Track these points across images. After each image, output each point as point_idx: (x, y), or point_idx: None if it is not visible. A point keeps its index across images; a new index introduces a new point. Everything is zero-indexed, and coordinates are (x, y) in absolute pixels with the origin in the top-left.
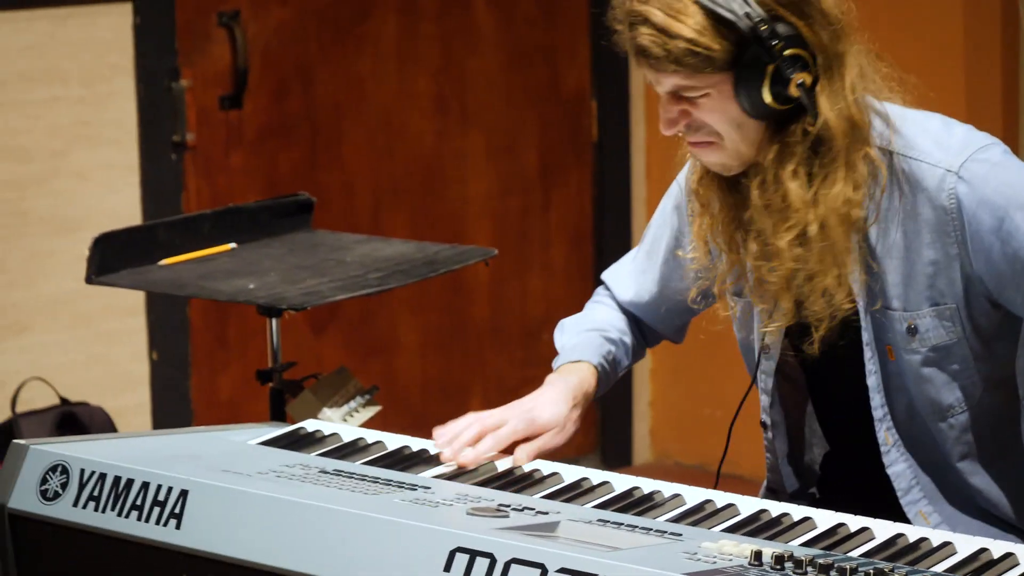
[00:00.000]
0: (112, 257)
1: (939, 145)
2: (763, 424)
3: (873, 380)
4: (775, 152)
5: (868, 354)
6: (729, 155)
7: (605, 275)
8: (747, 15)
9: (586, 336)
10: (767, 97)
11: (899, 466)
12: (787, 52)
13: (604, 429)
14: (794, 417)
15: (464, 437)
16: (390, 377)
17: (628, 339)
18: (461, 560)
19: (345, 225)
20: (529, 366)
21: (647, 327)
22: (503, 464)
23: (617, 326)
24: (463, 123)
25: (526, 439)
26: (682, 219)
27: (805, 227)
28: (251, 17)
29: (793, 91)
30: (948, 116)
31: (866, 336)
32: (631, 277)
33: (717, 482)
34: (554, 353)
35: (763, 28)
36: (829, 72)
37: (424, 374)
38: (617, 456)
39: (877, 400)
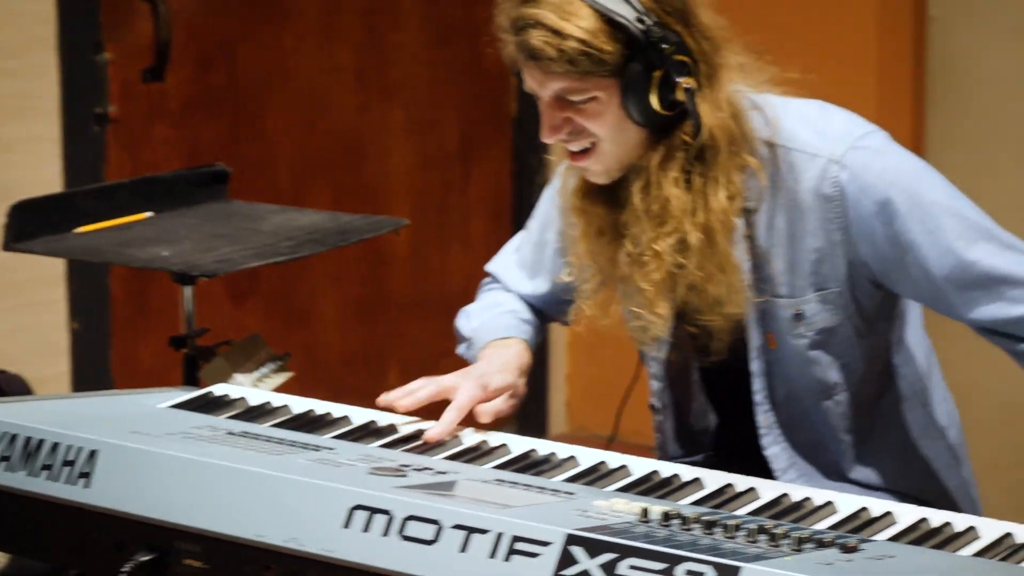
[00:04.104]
0: (29, 224)
1: (820, 134)
2: (652, 407)
3: (755, 366)
4: (660, 157)
5: (752, 342)
6: (609, 161)
7: (492, 267)
8: (639, 19)
9: (504, 317)
10: (654, 102)
11: (775, 448)
12: (675, 57)
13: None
14: (685, 400)
15: (420, 394)
16: (310, 347)
17: (535, 321)
18: (360, 517)
19: (267, 198)
20: (448, 338)
21: (540, 312)
22: (407, 428)
23: (524, 308)
24: (385, 98)
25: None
26: (560, 234)
27: (684, 235)
28: None
29: (680, 96)
30: (859, 100)
31: (751, 325)
32: (521, 269)
33: (608, 446)
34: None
35: (655, 32)
36: (709, 81)
37: (343, 345)
38: (533, 428)
39: (758, 384)
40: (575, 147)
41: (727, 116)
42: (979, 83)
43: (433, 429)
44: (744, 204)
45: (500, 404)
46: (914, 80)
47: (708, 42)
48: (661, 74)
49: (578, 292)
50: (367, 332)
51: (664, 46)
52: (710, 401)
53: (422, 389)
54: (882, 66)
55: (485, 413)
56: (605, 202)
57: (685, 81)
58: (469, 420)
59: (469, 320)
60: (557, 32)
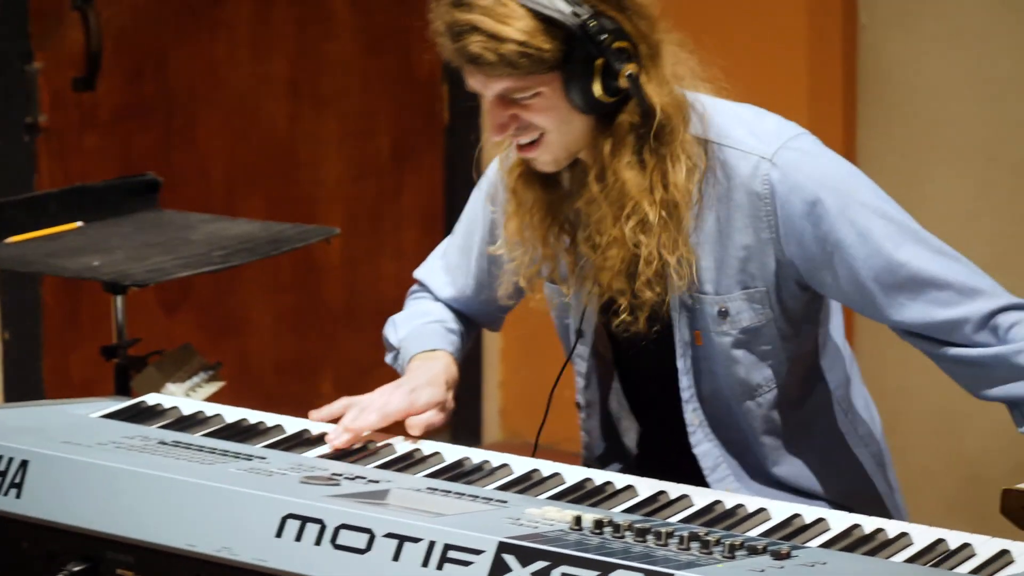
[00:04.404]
0: None
1: (752, 133)
2: (578, 404)
3: (682, 363)
4: (610, 145)
5: (679, 337)
6: (557, 150)
7: (419, 274)
8: (573, 13)
9: (430, 327)
10: (597, 91)
11: (705, 446)
12: (614, 45)
13: (454, 409)
14: (609, 398)
15: (367, 425)
16: (243, 357)
17: (462, 330)
18: (292, 526)
19: (199, 207)
20: (381, 347)
21: (467, 319)
22: None
23: (451, 318)
24: (317, 107)
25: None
26: (496, 212)
27: (645, 214)
28: (105, 1)
29: (623, 82)
30: (790, 108)
31: (677, 320)
32: (447, 274)
33: (534, 452)
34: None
35: (591, 24)
36: (651, 61)
37: (277, 354)
38: (467, 436)
39: (685, 382)
40: (523, 140)
41: (672, 91)
42: (909, 90)
43: (352, 427)
44: None
45: (430, 417)
46: (845, 87)
47: (645, 22)
48: (602, 63)
49: (504, 270)
50: (300, 341)
51: (602, 36)
52: (635, 399)
53: (364, 418)
54: (813, 74)
55: (416, 426)
56: (540, 183)
57: (627, 67)
58: (400, 431)
59: (396, 330)
60: (495, 36)
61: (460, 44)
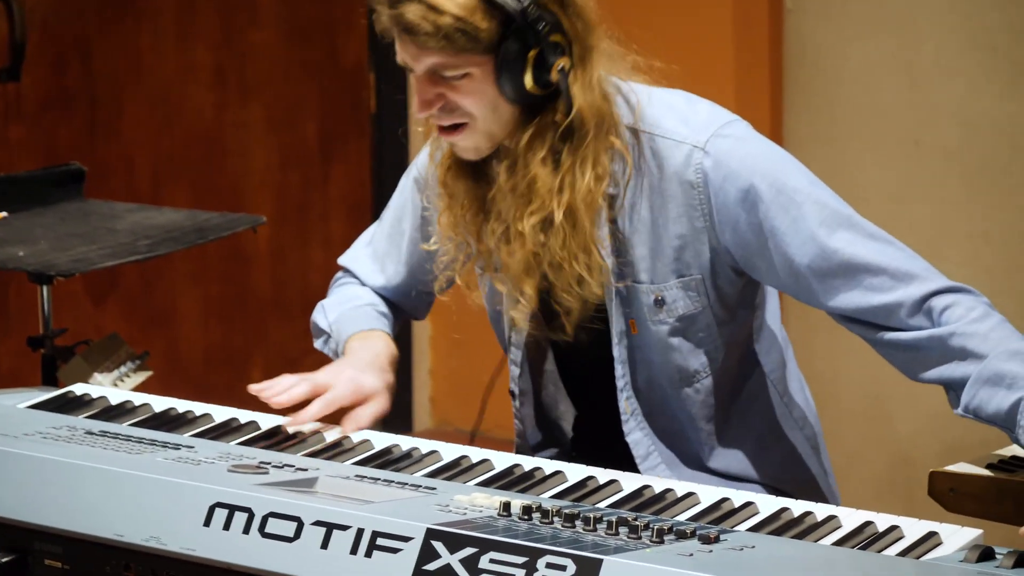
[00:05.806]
0: None
1: (684, 122)
2: (512, 393)
3: (618, 351)
4: (528, 137)
5: (615, 326)
6: (480, 138)
7: (344, 260)
8: None
9: (362, 310)
10: (528, 81)
11: (637, 434)
12: (551, 38)
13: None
14: (543, 386)
15: (295, 392)
16: (171, 347)
17: (391, 316)
18: (220, 515)
19: (125, 197)
20: (310, 336)
21: (394, 306)
22: (267, 424)
23: (380, 302)
24: (243, 96)
25: (351, 406)
26: (428, 209)
27: (549, 213)
28: None
29: (554, 76)
30: (717, 92)
31: (613, 311)
32: (375, 262)
33: (472, 440)
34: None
35: (532, 11)
36: (582, 62)
37: (205, 344)
38: (398, 423)
39: (620, 371)
40: (446, 123)
41: (598, 97)
42: (834, 75)
43: (296, 417)
44: (608, 189)
45: (372, 411)
46: (771, 72)
47: (582, 23)
48: (536, 53)
49: (438, 264)
50: (229, 331)
51: (540, 25)
52: (571, 387)
53: (296, 387)
54: (739, 59)
55: (365, 418)
56: (470, 176)
57: (560, 61)
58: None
59: (326, 314)
60: (434, 8)
61: (397, 11)
